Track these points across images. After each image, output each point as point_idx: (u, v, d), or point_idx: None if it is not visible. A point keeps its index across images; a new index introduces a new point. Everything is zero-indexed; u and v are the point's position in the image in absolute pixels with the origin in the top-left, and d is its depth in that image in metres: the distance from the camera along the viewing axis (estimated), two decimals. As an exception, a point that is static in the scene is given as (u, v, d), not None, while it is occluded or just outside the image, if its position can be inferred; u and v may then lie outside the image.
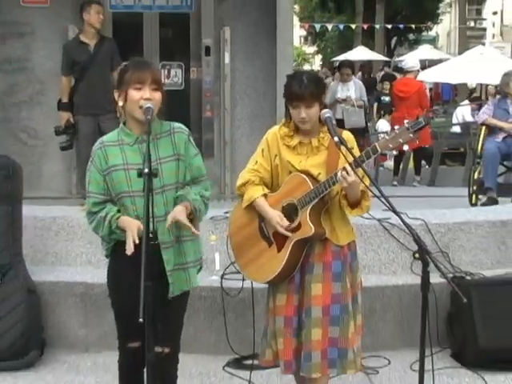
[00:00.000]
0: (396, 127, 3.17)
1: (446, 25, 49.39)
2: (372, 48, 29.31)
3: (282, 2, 6.98)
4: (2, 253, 4.71)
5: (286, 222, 3.38)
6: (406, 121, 3.19)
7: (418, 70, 11.29)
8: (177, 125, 3.26)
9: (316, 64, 48.18)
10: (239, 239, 3.59)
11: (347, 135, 3.39)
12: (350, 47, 30.98)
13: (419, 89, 10.36)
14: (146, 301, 2.72)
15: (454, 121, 15.07)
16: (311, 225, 3.32)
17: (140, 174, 2.88)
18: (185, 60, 7.69)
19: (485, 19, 58.16)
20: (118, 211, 3.16)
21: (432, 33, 44.38)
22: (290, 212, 3.40)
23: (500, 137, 6.88)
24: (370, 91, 14.59)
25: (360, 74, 22.33)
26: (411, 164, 10.76)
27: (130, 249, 3.00)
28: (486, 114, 7.05)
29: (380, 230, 5.05)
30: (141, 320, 2.67)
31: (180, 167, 3.20)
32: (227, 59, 7.40)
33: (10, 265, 4.70)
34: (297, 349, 3.45)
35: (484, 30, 56.98)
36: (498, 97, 7.76)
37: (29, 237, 5.03)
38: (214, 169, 7.22)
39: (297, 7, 36.01)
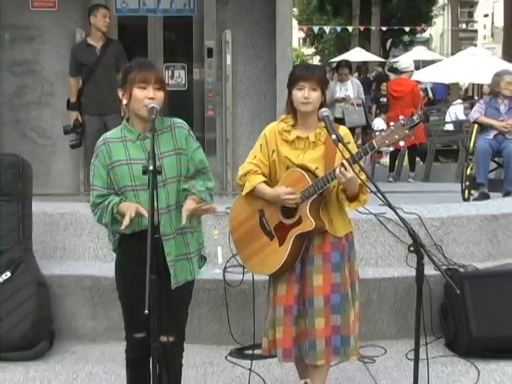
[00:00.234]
0: (391, 123, 3.22)
1: (439, 27, 49.14)
2: (368, 49, 29.27)
3: (281, 6, 6.99)
4: (13, 248, 4.77)
5: (292, 190, 3.38)
6: (401, 117, 3.25)
7: (412, 71, 11.28)
8: (177, 120, 3.30)
9: (314, 65, 48.00)
10: (241, 234, 3.62)
11: (344, 131, 3.43)
12: (347, 49, 31.04)
13: (413, 89, 10.37)
14: (151, 293, 2.76)
15: (448, 119, 15.07)
16: (312, 219, 3.36)
17: (145, 172, 2.93)
18: (188, 61, 7.68)
19: (476, 21, 58.28)
20: (121, 200, 3.20)
21: (426, 35, 44.16)
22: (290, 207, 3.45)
23: (491, 134, 6.86)
24: (366, 91, 14.62)
25: (357, 74, 22.37)
26: (406, 161, 10.75)
27: (125, 222, 3.03)
28: (478, 112, 7.04)
29: (376, 225, 5.08)
30: (146, 312, 2.70)
31: (181, 161, 3.24)
32: (229, 61, 7.41)
33: (21, 259, 4.76)
34: (296, 337, 3.49)
35: (475, 31, 57.08)
36: (489, 96, 7.80)
37: (38, 232, 5.08)
38: (216, 166, 7.20)
39: (296, 10, 35.80)
